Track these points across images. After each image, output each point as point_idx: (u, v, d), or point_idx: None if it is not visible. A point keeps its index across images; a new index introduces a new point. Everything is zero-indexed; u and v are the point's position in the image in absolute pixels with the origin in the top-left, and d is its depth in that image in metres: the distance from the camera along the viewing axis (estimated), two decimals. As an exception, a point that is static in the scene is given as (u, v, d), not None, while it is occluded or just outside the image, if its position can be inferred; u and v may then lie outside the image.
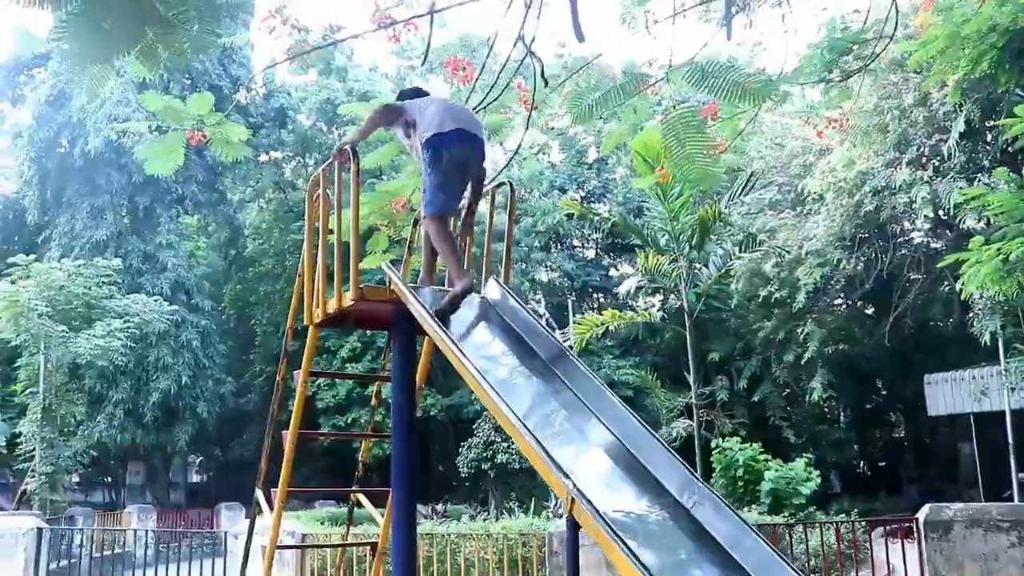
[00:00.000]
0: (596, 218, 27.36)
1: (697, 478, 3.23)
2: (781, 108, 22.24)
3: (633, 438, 3.55)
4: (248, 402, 30.55)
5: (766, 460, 16.84)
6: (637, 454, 3.44)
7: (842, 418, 30.27)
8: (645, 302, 30.50)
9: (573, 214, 27.36)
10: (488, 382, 3.47)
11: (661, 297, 29.76)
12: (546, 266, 31.55)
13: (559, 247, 32.62)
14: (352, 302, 4.55)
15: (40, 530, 10.89)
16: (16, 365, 21.24)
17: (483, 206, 5.32)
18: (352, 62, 32.55)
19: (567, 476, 2.93)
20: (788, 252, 19.69)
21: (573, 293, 30.89)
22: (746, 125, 9.91)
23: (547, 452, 3.04)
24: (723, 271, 14.66)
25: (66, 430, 20.81)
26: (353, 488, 6.03)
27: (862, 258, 21.26)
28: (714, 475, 17.39)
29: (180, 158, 8.54)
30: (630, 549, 2.58)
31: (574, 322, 16.78)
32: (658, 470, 3.31)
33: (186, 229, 30.45)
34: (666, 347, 29.08)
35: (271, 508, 5.36)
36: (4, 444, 22.87)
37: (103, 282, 21.55)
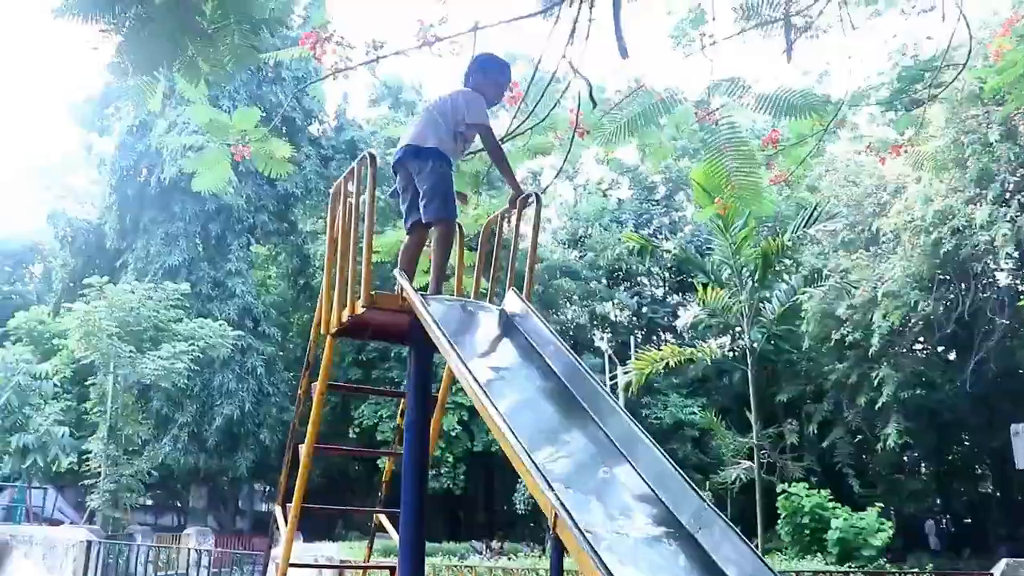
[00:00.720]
0: (662, 253, 26.93)
1: (709, 504, 2.89)
2: (854, 144, 21.67)
3: (653, 474, 3.23)
4: (316, 432, 30.57)
5: (834, 508, 16.13)
6: (653, 486, 3.12)
7: (923, 468, 28.86)
8: (719, 343, 29.91)
9: (639, 250, 26.99)
10: (478, 381, 3.21)
11: (730, 337, 29.18)
12: (610, 301, 31.13)
13: (625, 284, 32.24)
14: (364, 309, 4.36)
15: (89, 543, 10.99)
16: (87, 384, 21.78)
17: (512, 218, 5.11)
18: (420, 96, 33.01)
19: (550, 487, 2.64)
20: (856, 287, 18.94)
21: (639, 331, 30.41)
22: (808, 153, 9.53)
23: (533, 461, 2.75)
24: (787, 306, 14.07)
25: (130, 449, 21.16)
26: (375, 508, 5.78)
27: (941, 300, 20.38)
28: (779, 521, 16.70)
29: (226, 173, 8.55)
30: (609, 571, 2.27)
31: (635, 357, 16.32)
32: (669, 495, 2.99)
33: (256, 258, 31.03)
34: (735, 389, 28.40)
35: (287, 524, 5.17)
36: (75, 461, 23.39)
37: (172, 305, 22.02)
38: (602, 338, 26.31)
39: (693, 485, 2.96)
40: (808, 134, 9.79)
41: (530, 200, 4.96)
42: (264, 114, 24.84)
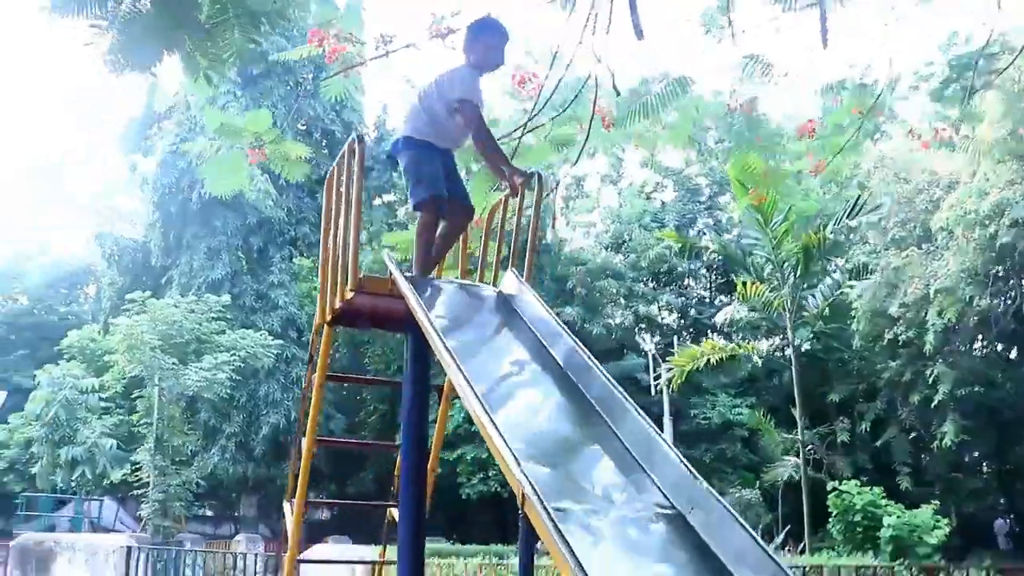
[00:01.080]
0: (706, 253, 26.57)
1: (702, 482, 2.65)
2: (905, 138, 21.04)
3: (640, 442, 2.99)
4: (362, 439, 30.77)
5: (887, 505, 15.67)
6: (643, 464, 2.89)
7: (984, 467, 27.91)
8: (769, 344, 29.47)
9: (680, 250, 26.71)
10: (452, 353, 3.02)
11: (779, 338, 28.70)
12: (656, 303, 30.76)
13: (671, 285, 31.87)
14: (352, 294, 4.21)
15: (128, 548, 11.12)
16: (134, 397, 22.09)
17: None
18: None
19: (518, 463, 2.43)
20: (904, 282, 18.34)
21: (686, 332, 30.03)
22: (848, 141, 9.21)
23: (502, 435, 2.54)
24: (831, 301, 13.63)
25: (178, 460, 21.38)
26: (388, 503, 5.63)
27: (998, 295, 19.71)
28: (831, 520, 16.28)
29: (243, 178, 8.52)
30: (573, 552, 2.05)
31: (677, 355, 16.00)
32: (660, 474, 2.76)
33: (300, 270, 31.24)
34: (784, 388, 27.88)
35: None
36: (129, 473, 23.75)
37: (214, 317, 22.25)
38: (645, 339, 25.96)
39: (686, 462, 2.73)
40: (846, 123, 9.45)
41: (532, 181, 4.75)
42: (304, 128, 24.83)
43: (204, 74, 6.40)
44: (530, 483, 2.33)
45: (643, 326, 29.54)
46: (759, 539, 2.41)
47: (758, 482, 23.06)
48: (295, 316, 28.79)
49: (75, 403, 21.93)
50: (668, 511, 2.59)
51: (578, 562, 2.04)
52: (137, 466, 21.51)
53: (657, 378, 22.97)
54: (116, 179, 38.06)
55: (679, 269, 30.76)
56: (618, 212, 33.72)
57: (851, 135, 9.04)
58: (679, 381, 14.79)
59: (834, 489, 16.35)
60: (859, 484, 16.45)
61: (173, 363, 19.97)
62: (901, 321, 20.64)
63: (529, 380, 3.38)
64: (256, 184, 24.12)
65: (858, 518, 15.72)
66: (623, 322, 29.24)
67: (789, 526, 18.26)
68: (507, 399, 3.11)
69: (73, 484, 22.97)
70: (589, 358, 3.38)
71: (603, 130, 8.98)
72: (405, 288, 3.78)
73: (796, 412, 12.88)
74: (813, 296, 13.57)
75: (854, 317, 21.47)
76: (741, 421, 25.93)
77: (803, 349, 26.53)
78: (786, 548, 15.23)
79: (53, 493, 24.90)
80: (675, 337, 27.66)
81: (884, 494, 16.08)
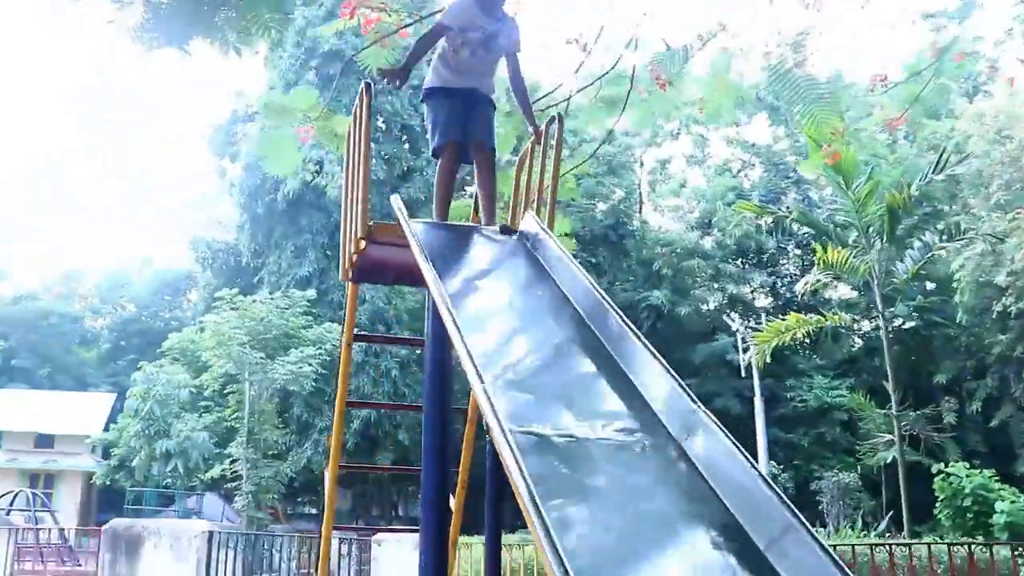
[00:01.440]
0: (795, 229, 25.57)
1: (699, 406, 2.30)
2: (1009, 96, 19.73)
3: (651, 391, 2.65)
4: (456, 431, 30.71)
5: (1000, 489, 14.63)
6: (643, 392, 2.56)
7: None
8: (871, 325, 28.23)
9: (770, 228, 25.84)
10: (441, 292, 2.75)
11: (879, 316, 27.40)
12: (745, 284, 29.86)
13: (759, 265, 30.90)
14: (364, 243, 4.00)
15: (210, 533, 11.35)
16: (227, 393, 22.67)
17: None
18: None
19: (480, 379, 2.15)
20: (1008, 250, 17.08)
21: (777, 313, 29.03)
22: (924, 87, 8.64)
23: (469, 352, 2.26)
24: (920, 265, 12.75)
25: (269, 453, 21.83)
26: (413, 467, 5.41)
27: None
28: (938, 505, 15.36)
29: (295, 157, 8.47)
30: (521, 469, 1.76)
31: (763, 330, 15.33)
32: (660, 401, 2.42)
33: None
34: (884, 369, 26.62)
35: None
36: (228, 466, 24.43)
37: (300, 312, 22.61)
38: (733, 318, 25.16)
39: (684, 385, 2.38)
40: (922, 68, 8.84)
41: (552, 128, 4.48)
42: (383, 124, 24.93)
43: (233, 47, 6.36)
44: (488, 400, 2.05)
45: (733, 306, 28.73)
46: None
47: (859, 466, 22.01)
48: (383, 311, 29.03)
49: (169, 399, 22.64)
50: (660, 440, 2.25)
51: (532, 497, 1.74)
52: (234, 460, 22.08)
53: (746, 352, 22.15)
54: (208, 185, 39.30)
55: (768, 247, 29.77)
56: (703, 191, 32.91)
57: (927, 80, 8.49)
58: (765, 358, 14.11)
59: (939, 472, 15.42)
60: (967, 467, 15.47)
61: (261, 358, 20.37)
62: (1010, 291, 19.36)
63: (532, 316, 3.10)
64: (338, 181, 24.43)
65: (967, 502, 14.77)
66: (713, 304, 28.55)
67: (892, 512, 17.31)
68: (496, 333, 2.83)
69: (168, 477, 23.71)
70: (603, 297, 3.05)
71: (659, 90, 8.62)
72: (406, 229, 3.55)
73: (889, 387, 12.08)
74: (902, 261, 12.73)
75: (957, 289, 20.24)
76: (840, 403, 24.83)
77: (904, 326, 25.24)
78: (887, 535, 14.39)
79: (157, 488, 25.87)
80: (764, 316, 26.73)
81: (998, 478, 15.07)
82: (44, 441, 32.95)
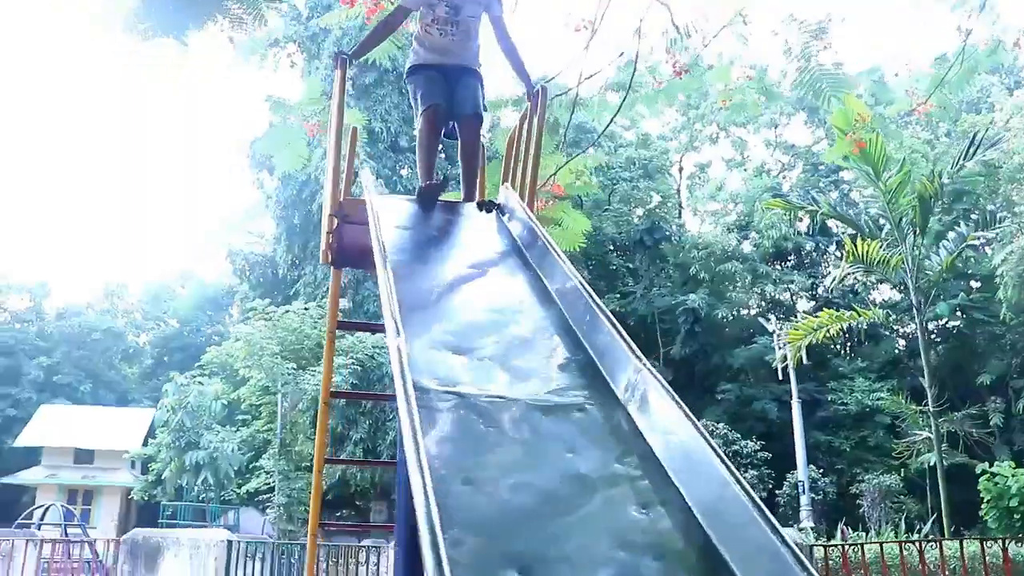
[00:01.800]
0: (835, 230, 25.02)
1: (646, 366, 2.10)
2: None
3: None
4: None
5: (1048, 490, 14.01)
6: (596, 357, 2.36)
7: None
8: (914, 327, 27.55)
9: (808, 229, 25.40)
10: (386, 258, 2.58)
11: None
12: (783, 285, 29.31)
13: (797, 266, 30.34)
14: (336, 221, 3.86)
15: (229, 542, 11.29)
16: (260, 404, 22.71)
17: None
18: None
19: (398, 333, 1.98)
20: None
21: (815, 313, 28.46)
22: (950, 69, 8.44)
23: (395, 317, 2.09)
24: (955, 256, 12.28)
25: (302, 465, 21.80)
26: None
27: None
28: (983, 506, 14.78)
29: (303, 152, 8.42)
30: (416, 437, 1.57)
31: (793, 328, 14.94)
32: (611, 364, 2.23)
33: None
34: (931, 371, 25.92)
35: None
36: (264, 480, 24.43)
37: (334, 322, 22.57)
38: (771, 320, 24.63)
39: (633, 346, 2.18)
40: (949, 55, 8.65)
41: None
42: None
43: (228, 37, 6.31)
44: (399, 352, 1.88)
45: (772, 309, 28.23)
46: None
47: (903, 470, 21.37)
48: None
49: (200, 410, 22.73)
50: (601, 400, 2.06)
51: (418, 457, 1.56)
52: (268, 473, 22.08)
53: (782, 348, 21.64)
54: (247, 198, 39.68)
55: (807, 248, 29.21)
56: (740, 194, 32.46)
57: (953, 63, 8.28)
58: (800, 356, 13.73)
59: (984, 472, 14.84)
60: (1014, 467, 14.87)
61: (292, 368, 20.37)
62: (1058, 285, 18.69)
63: (492, 289, 2.92)
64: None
65: (1015, 503, 14.20)
66: (753, 307, 28.09)
67: (935, 515, 16.74)
68: (440, 300, 2.66)
69: (198, 489, 23.73)
70: (559, 256, 2.87)
71: (676, 78, 8.45)
72: (368, 202, 3.40)
73: (924, 382, 11.64)
74: (937, 255, 12.27)
75: (1000, 285, 19.60)
76: (880, 406, 24.18)
77: (947, 325, 24.53)
78: (929, 538, 13.88)
79: (193, 503, 25.94)
80: (802, 319, 26.16)
81: (1047, 478, 14.44)
82: (84, 456, 33.25)
